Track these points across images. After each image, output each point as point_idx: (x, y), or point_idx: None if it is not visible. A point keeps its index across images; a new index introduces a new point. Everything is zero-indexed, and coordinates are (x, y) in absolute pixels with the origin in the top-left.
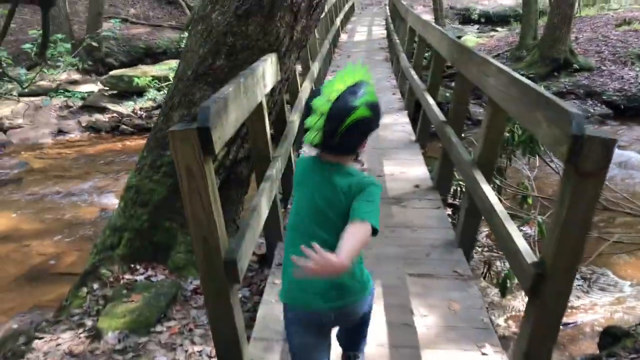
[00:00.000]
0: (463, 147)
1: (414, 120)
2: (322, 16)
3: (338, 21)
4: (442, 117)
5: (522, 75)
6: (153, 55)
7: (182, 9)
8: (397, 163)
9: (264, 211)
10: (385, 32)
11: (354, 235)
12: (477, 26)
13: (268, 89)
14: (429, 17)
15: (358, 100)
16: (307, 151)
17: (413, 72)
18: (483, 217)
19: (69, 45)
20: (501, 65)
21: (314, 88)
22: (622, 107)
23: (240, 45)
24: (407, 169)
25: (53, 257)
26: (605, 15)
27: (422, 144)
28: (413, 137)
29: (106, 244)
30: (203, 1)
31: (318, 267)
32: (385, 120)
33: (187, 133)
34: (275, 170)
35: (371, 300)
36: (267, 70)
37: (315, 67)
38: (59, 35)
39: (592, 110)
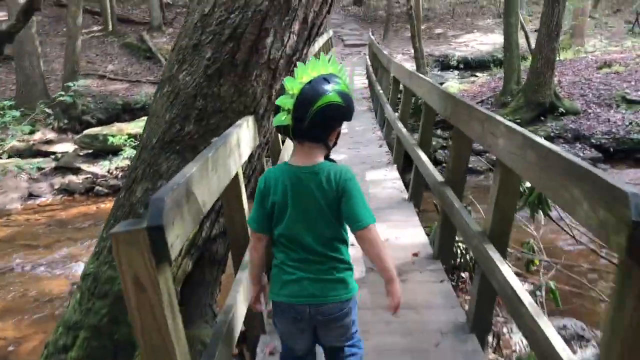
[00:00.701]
0: (469, 216)
1: (404, 171)
2: None
3: None
4: (439, 177)
5: (508, 121)
6: (131, 111)
7: (160, 64)
8: (391, 226)
9: (241, 311)
10: (366, 81)
11: (372, 247)
12: (456, 72)
13: (244, 158)
14: (409, 65)
15: (330, 86)
16: None
17: (400, 125)
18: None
19: (17, 113)
20: (512, 124)
21: None
22: (612, 150)
23: (211, 109)
24: (402, 233)
25: (13, 342)
26: (584, 58)
27: (415, 202)
28: (405, 195)
29: (58, 345)
30: (169, 61)
31: (398, 301)
32: (374, 175)
33: (134, 235)
34: None
35: (351, 309)
36: (243, 136)
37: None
38: (7, 102)
39: (581, 154)
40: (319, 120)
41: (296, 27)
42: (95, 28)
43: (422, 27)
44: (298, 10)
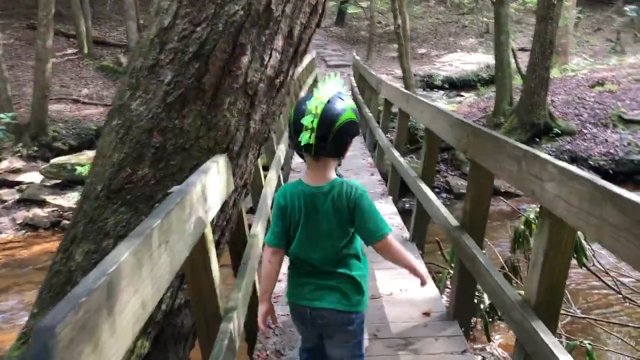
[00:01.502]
0: (500, 275)
1: (398, 204)
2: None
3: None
4: (453, 220)
5: None
6: None
7: None
8: (394, 275)
9: None
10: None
11: (391, 255)
12: (441, 92)
13: (214, 211)
14: (396, 85)
15: (345, 104)
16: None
17: (396, 153)
18: None
19: None
20: (565, 165)
21: (281, 179)
22: (611, 172)
23: (172, 146)
24: (408, 285)
25: None
26: (574, 76)
27: (419, 243)
28: (406, 234)
29: None
30: (121, 87)
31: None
32: None
33: None
34: (232, 329)
35: (354, 321)
36: (212, 184)
37: (281, 151)
38: None
39: None
40: (340, 136)
41: (279, 42)
42: (70, 51)
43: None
44: (281, 22)
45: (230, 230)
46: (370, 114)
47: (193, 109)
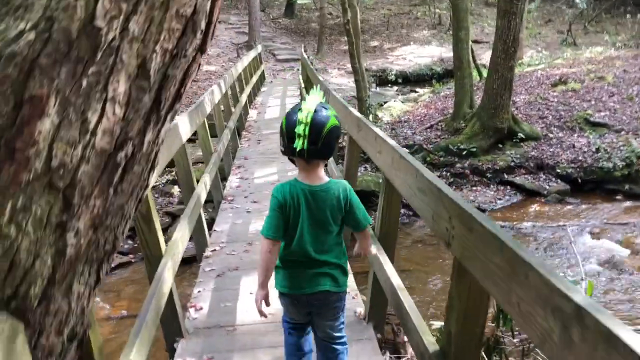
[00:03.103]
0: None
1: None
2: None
3: (244, 98)
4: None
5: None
6: None
7: None
8: None
9: None
10: None
11: (367, 240)
12: (395, 88)
13: None
14: (345, 80)
15: (329, 112)
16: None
17: None
18: None
19: None
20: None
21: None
22: (580, 180)
23: None
24: None
25: None
26: (533, 73)
27: (376, 325)
28: (359, 310)
29: None
30: None
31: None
32: None
33: None
34: None
35: (340, 300)
36: None
37: (202, 191)
38: None
39: (547, 187)
40: (328, 141)
41: (120, 86)
42: None
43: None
44: (121, 51)
45: None
46: None
47: None
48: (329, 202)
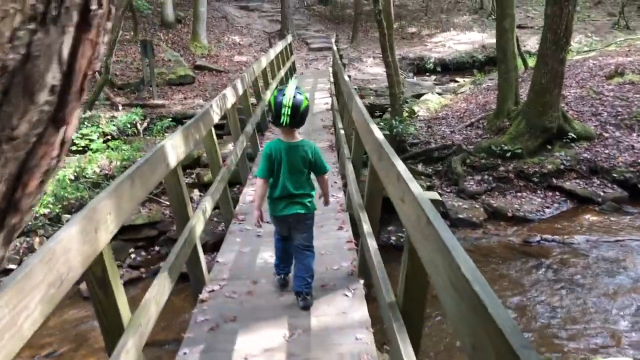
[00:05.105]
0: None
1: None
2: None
3: (269, 96)
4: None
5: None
6: None
7: None
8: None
9: None
10: (329, 100)
11: (325, 184)
12: (433, 77)
13: None
14: (380, 69)
15: (302, 96)
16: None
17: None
18: None
19: None
20: None
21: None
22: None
23: None
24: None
25: None
26: (584, 62)
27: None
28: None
29: None
30: None
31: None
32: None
33: None
34: None
35: (310, 219)
36: None
37: (198, 221)
38: None
39: (602, 194)
40: (302, 115)
41: None
42: None
43: (394, 27)
44: None
45: None
46: (342, 131)
47: None
48: (300, 154)
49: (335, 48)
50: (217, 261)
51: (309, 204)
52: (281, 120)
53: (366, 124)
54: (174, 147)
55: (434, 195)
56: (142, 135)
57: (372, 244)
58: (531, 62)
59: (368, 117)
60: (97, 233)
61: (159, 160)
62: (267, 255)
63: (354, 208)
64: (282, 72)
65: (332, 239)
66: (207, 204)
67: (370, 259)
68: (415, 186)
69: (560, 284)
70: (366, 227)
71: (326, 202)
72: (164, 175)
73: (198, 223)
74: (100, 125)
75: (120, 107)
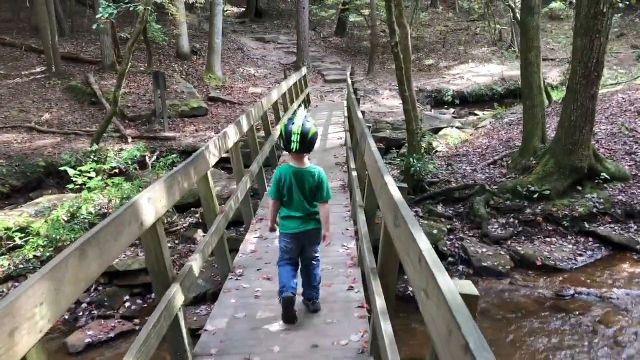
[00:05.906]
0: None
1: None
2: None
3: (279, 130)
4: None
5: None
6: (57, 175)
7: (105, 110)
8: None
9: None
10: (343, 135)
11: (325, 213)
12: (451, 109)
13: None
14: (397, 101)
15: (310, 124)
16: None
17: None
18: None
19: None
20: None
21: None
22: None
23: None
24: None
25: None
26: (612, 96)
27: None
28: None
29: None
30: None
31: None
32: None
33: None
34: None
35: (318, 234)
36: None
37: (177, 292)
38: None
39: (638, 239)
40: (311, 141)
41: None
42: (38, 69)
43: (411, 58)
44: None
45: None
46: (354, 173)
47: None
48: (307, 178)
49: (349, 81)
50: (206, 329)
51: (318, 221)
52: (291, 147)
53: (380, 176)
54: (152, 201)
55: (471, 288)
56: (150, 169)
57: (386, 328)
58: (555, 95)
59: (382, 165)
60: (14, 337)
61: (127, 220)
62: (265, 323)
63: (365, 273)
64: (295, 105)
65: (339, 302)
66: (195, 264)
67: (384, 348)
68: (444, 278)
69: (601, 346)
70: (379, 301)
71: (324, 237)
72: (137, 236)
73: (178, 292)
74: (104, 160)
75: (130, 140)
